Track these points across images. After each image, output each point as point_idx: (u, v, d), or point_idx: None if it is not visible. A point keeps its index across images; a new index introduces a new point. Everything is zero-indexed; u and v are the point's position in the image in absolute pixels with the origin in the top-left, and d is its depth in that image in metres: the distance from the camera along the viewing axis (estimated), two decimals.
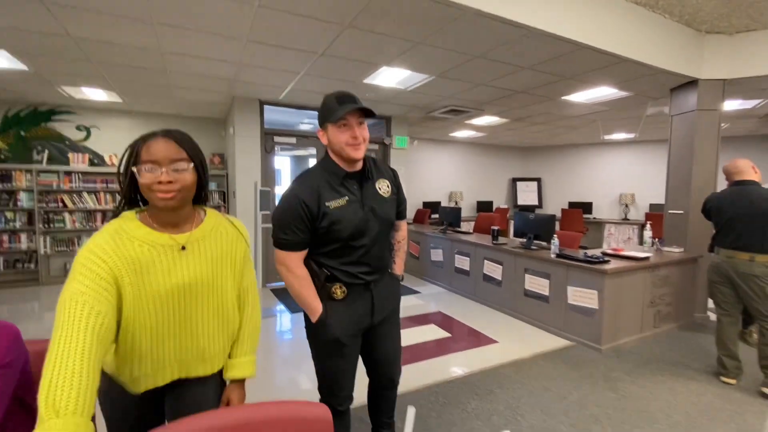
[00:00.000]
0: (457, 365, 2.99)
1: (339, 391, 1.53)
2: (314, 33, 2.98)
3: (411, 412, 0.83)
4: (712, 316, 3.78)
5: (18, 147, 5.28)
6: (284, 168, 8.57)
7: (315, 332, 1.49)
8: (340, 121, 1.36)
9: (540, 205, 9.69)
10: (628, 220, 8.17)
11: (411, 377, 2.72)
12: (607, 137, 7.85)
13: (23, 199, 5.19)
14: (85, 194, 5.43)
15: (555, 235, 3.80)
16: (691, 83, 3.94)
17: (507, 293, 4.20)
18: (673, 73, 3.66)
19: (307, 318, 1.50)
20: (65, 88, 4.53)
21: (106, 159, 5.67)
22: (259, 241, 4.58)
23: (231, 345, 1.19)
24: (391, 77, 4.08)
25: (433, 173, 8.83)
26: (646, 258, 3.50)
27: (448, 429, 2.19)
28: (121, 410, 1.10)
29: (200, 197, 1.10)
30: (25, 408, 0.97)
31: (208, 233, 1.10)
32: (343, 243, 1.42)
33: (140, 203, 1.07)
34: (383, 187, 1.53)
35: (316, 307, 1.44)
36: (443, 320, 4.05)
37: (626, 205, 8.27)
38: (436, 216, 6.93)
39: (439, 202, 8.55)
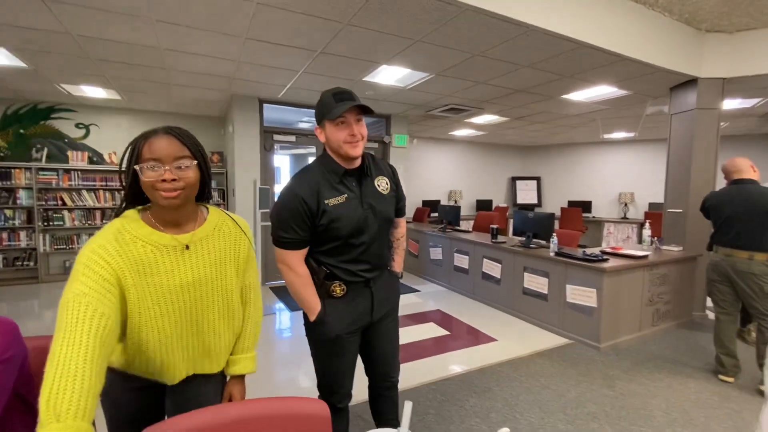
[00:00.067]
0: (455, 363, 3.00)
1: (338, 388, 1.53)
2: (313, 30, 2.97)
3: (408, 406, 0.83)
4: (711, 315, 3.80)
5: (17, 145, 5.28)
6: (283, 166, 8.56)
7: (314, 330, 1.49)
8: (338, 118, 1.34)
9: (539, 204, 9.70)
10: (627, 218, 8.17)
11: (410, 375, 2.73)
12: (606, 136, 7.85)
13: (22, 197, 5.18)
14: (84, 192, 5.43)
15: (554, 234, 3.81)
16: (691, 82, 3.94)
17: (506, 291, 4.21)
18: (672, 71, 3.66)
19: (306, 316, 1.50)
20: (64, 86, 4.52)
21: (106, 157, 5.66)
22: (258, 239, 4.59)
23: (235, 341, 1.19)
24: (390, 75, 4.08)
25: (433, 172, 8.82)
26: (645, 257, 3.50)
27: (447, 426, 2.19)
28: (121, 406, 1.10)
29: (203, 195, 1.09)
30: (25, 404, 0.98)
31: (211, 232, 1.09)
32: (342, 241, 1.41)
33: (143, 201, 1.05)
34: (382, 184, 1.52)
35: (315, 306, 1.43)
36: (442, 318, 4.05)
37: (625, 204, 8.28)
38: (436, 214, 6.94)
39: (438, 201, 8.56)
